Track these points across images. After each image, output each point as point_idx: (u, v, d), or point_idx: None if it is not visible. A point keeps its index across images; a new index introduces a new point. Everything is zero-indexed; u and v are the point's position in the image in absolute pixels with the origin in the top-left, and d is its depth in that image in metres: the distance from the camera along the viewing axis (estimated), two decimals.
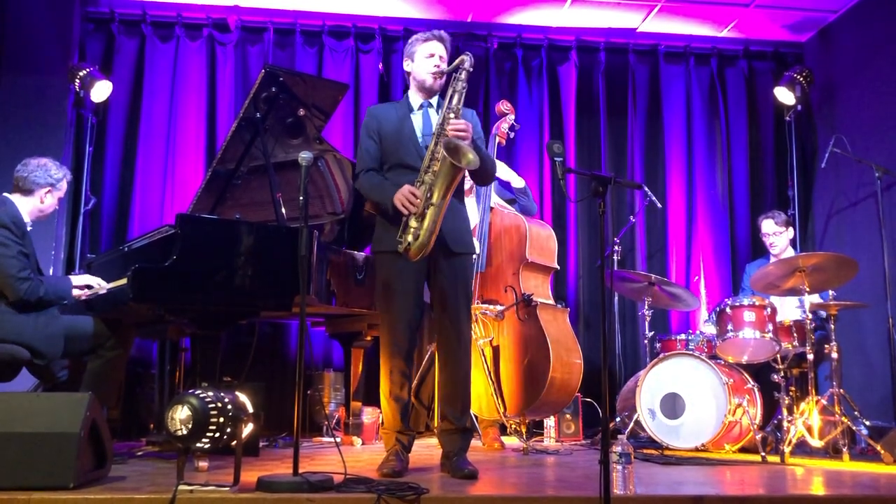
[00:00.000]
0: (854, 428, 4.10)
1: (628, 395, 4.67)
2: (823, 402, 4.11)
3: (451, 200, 3.10)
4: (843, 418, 4.05)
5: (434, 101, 3.31)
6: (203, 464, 3.04)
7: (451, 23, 5.77)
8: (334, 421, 4.73)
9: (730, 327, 4.29)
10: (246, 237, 3.37)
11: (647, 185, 5.61)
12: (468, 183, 4.19)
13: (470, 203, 4.58)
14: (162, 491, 2.50)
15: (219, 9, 5.69)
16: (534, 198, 5.12)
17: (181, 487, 2.46)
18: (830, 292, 4.17)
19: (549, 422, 4.95)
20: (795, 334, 4.27)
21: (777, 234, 4.89)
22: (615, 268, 5.17)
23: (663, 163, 6.09)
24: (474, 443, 4.25)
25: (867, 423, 4.24)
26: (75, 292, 3.57)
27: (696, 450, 4.25)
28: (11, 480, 2.45)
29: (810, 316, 4.16)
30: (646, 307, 4.81)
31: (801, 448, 4.20)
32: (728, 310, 4.33)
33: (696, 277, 5.71)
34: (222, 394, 2.59)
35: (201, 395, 2.53)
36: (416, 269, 3.17)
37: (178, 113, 5.62)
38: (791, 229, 5.00)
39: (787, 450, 3.94)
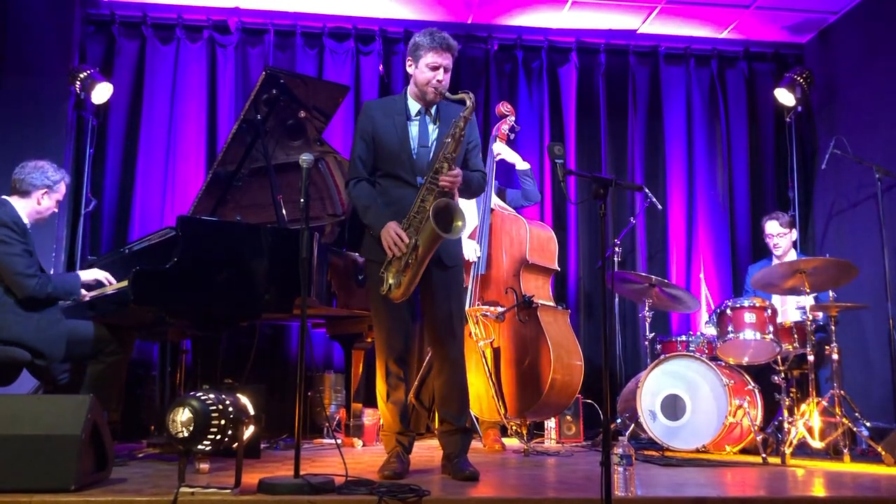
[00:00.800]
0: (855, 429, 4.10)
1: (629, 397, 4.67)
2: (824, 403, 4.11)
3: None
4: (844, 419, 4.05)
5: (433, 109, 3.20)
6: (204, 466, 3.03)
7: (451, 24, 5.77)
8: (335, 423, 4.72)
9: (730, 329, 4.29)
10: (247, 239, 3.37)
11: (648, 186, 5.61)
12: None
13: (470, 205, 4.58)
14: (163, 493, 2.50)
15: (219, 10, 5.69)
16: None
17: (182, 489, 2.46)
18: (831, 293, 4.17)
19: (550, 423, 4.95)
20: (796, 336, 4.27)
21: (781, 236, 4.90)
22: (615, 269, 5.17)
23: (664, 164, 6.09)
24: (475, 444, 4.25)
25: (868, 424, 4.24)
26: (83, 289, 3.58)
27: (697, 451, 4.25)
28: (12, 482, 2.45)
29: (810, 317, 4.16)
30: (646, 308, 4.81)
31: (802, 449, 4.20)
32: (728, 311, 4.33)
33: (697, 278, 5.72)
34: (223, 396, 2.59)
35: (202, 398, 2.53)
36: None
37: (179, 115, 5.62)
38: (794, 231, 5.01)
39: (787, 451, 3.94)
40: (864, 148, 5.24)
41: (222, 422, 2.52)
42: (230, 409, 2.56)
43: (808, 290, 4.12)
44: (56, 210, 3.78)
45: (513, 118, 4.79)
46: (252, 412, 2.70)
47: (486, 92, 5.96)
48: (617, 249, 5.24)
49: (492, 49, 5.97)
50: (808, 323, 4.14)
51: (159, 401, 4.17)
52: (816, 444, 4.09)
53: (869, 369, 5.20)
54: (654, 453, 4.17)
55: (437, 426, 4.76)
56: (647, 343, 4.81)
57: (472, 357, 4.25)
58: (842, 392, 4.12)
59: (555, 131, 6.01)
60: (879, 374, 5.05)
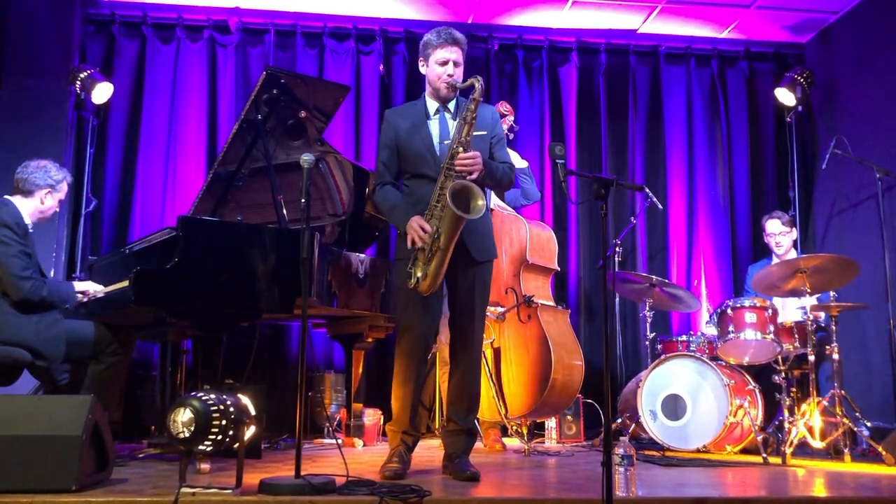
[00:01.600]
0: (855, 429, 4.10)
1: (629, 397, 4.68)
2: (825, 403, 4.11)
3: None
4: (845, 419, 4.05)
5: (451, 105, 3.25)
6: (205, 466, 3.04)
7: (451, 24, 5.70)
8: (335, 423, 4.72)
9: (731, 329, 4.29)
10: (247, 239, 3.37)
11: (648, 186, 5.61)
12: None
13: None
14: (164, 493, 2.50)
15: (219, 10, 5.69)
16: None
17: (183, 490, 2.46)
18: (831, 293, 4.17)
19: (551, 423, 4.96)
20: (796, 335, 4.27)
21: (783, 234, 4.91)
22: (616, 269, 5.16)
23: (664, 164, 6.09)
24: (475, 444, 4.25)
25: (868, 424, 4.25)
26: (77, 297, 3.58)
27: (698, 451, 4.25)
28: (13, 483, 2.45)
29: (811, 317, 4.16)
30: (647, 308, 4.81)
31: (803, 449, 4.20)
32: (729, 311, 4.33)
33: (696, 282, 5.72)
34: (224, 396, 2.59)
35: (203, 398, 2.53)
36: None
37: (179, 115, 5.62)
38: (795, 230, 5.02)
39: (788, 451, 3.94)
40: (865, 148, 5.24)
41: (223, 422, 2.52)
42: (231, 409, 2.56)
43: (809, 291, 4.12)
44: (58, 209, 3.78)
45: (512, 118, 4.79)
46: (253, 412, 2.70)
47: (486, 92, 5.95)
48: (617, 249, 5.23)
49: (492, 49, 5.97)
50: (809, 323, 4.14)
51: (160, 401, 4.18)
52: (817, 444, 4.09)
53: (869, 369, 5.20)
54: (654, 453, 4.17)
55: (437, 426, 4.79)
56: (647, 343, 4.81)
57: None
58: (842, 392, 4.12)
59: (555, 131, 6.01)
60: (880, 374, 5.05)
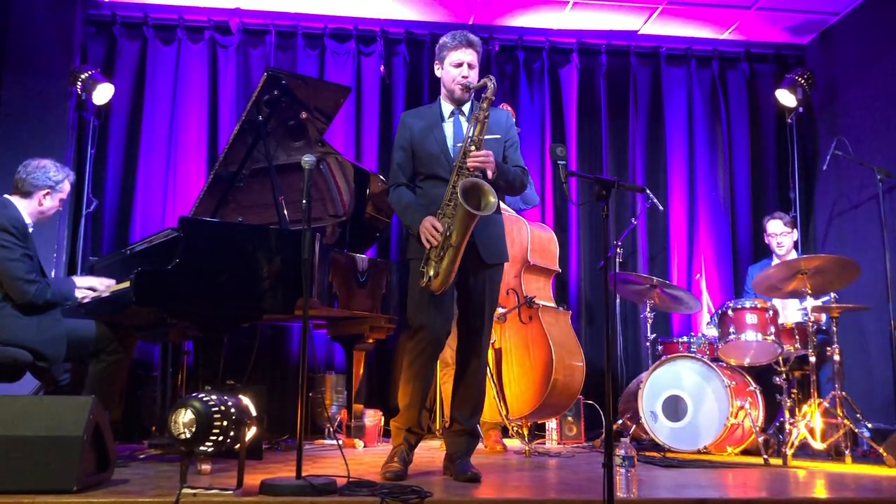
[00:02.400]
0: (856, 430, 4.10)
1: (630, 398, 4.68)
2: (825, 404, 4.11)
3: None
4: (846, 421, 4.04)
5: (466, 108, 3.25)
6: (206, 467, 3.03)
7: (452, 25, 5.76)
8: (336, 423, 4.72)
9: (732, 330, 4.29)
10: (248, 240, 3.37)
11: (649, 187, 5.61)
12: None
13: None
14: (165, 494, 2.50)
15: (220, 11, 5.69)
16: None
17: (184, 491, 2.46)
18: (832, 295, 4.17)
19: (551, 424, 4.95)
20: (797, 337, 4.27)
21: (784, 235, 4.91)
22: (617, 270, 5.16)
23: (665, 165, 6.09)
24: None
25: (869, 425, 4.24)
26: (79, 294, 3.57)
27: (699, 452, 4.25)
28: (14, 484, 2.45)
29: (812, 318, 4.16)
30: (647, 309, 4.81)
31: (804, 450, 4.20)
32: (730, 312, 4.33)
33: (698, 276, 5.72)
34: (225, 397, 2.59)
35: (205, 399, 2.53)
36: None
37: (180, 115, 5.62)
38: (796, 231, 5.02)
39: (789, 452, 3.94)
40: (866, 149, 5.24)
41: (224, 423, 2.52)
42: (232, 410, 2.56)
43: (810, 293, 4.12)
44: (61, 208, 3.78)
45: (513, 119, 4.78)
46: (254, 413, 2.71)
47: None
48: (618, 250, 5.23)
49: (493, 50, 5.97)
50: (810, 324, 4.14)
51: (161, 402, 4.18)
52: (818, 445, 4.09)
53: (870, 370, 5.20)
54: (655, 454, 4.17)
55: (437, 426, 4.79)
56: (648, 344, 4.81)
57: None
58: (843, 393, 4.12)
59: (556, 132, 6.01)
60: (881, 376, 5.05)
